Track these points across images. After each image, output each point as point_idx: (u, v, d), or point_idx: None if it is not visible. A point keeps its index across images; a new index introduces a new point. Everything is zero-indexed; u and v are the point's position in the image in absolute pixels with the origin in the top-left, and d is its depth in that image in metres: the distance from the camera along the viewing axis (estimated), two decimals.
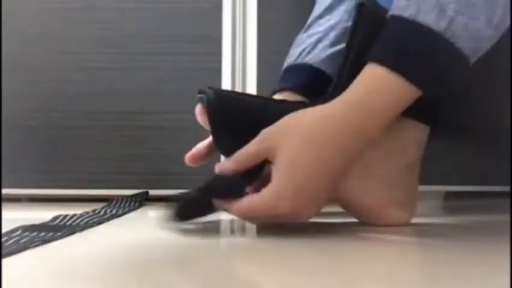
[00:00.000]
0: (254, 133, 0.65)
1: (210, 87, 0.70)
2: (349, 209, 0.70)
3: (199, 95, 0.70)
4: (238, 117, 0.68)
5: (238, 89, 1.06)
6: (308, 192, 0.62)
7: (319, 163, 0.62)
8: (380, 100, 0.63)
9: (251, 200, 0.63)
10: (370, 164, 0.68)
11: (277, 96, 0.81)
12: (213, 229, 0.71)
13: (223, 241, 0.63)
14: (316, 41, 0.83)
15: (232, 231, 0.72)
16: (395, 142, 0.69)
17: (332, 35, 0.82)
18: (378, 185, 0.69)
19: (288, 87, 0.81)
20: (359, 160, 0.66)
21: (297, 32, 0.88)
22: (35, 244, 0.56)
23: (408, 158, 0.70)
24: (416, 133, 0.70)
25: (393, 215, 0.70)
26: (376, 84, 0.63)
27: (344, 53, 0.70)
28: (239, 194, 0.65)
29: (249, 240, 0.64)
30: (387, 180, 0.69)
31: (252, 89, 1.04)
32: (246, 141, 0.65)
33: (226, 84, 1.05)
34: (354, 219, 0.73)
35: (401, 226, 0.72)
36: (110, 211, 0.84)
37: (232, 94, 0.72)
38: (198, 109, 0.70)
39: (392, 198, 0.70)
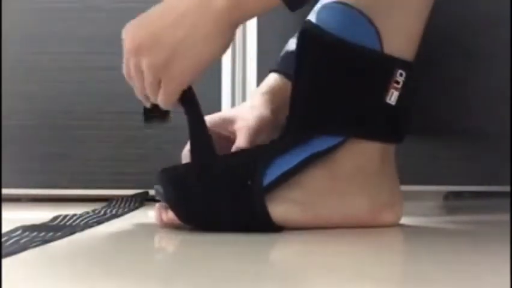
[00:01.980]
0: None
1: (163, 173, 0.71)
2: (343, 225, 0.70)
3: (156, 187, 0.72)
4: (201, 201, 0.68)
5: (238, 89, 1.06)
6: (151, 28, 0.66)
7: (170, 10, 0.66)
8: None
9: None
10: (343, 182, 0.69)
11: (271, 76, 0.83)
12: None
13: (226, 242, 0.63)
14: None
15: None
16: (361, 159, 0.69)
17: None
18: (358, 195, 0.69)
19: (283, 70, 0.83)
20: (331, 182, 0.68)
21: (297, 32, 0.87)
22: (35, 244, 0.56)
23: (378, 165, 0.70)
24: (379, 148, 0.70)
25: (384, 217, 0.70)
26: None
27: (292, 83, 0.70)
28: None
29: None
30: (366, 188, 0.69)
31: (252, 89, 1.04)
32: (216, 207, 0.67)
33: (226, 85, 1.05)
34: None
35: (401, 226, 0.72)
36: (110, 211, 0.84)
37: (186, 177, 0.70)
38: (158, 208, 0.71)
39: (378, 203, 0.70)
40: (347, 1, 0.67)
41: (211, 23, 0.64)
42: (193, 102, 0.69)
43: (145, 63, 0.67)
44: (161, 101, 0.69)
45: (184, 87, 0.68)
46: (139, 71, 0.68)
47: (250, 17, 0.67)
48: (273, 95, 0.81)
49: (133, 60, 0.68)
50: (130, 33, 0.68)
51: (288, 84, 0.82)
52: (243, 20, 0.67)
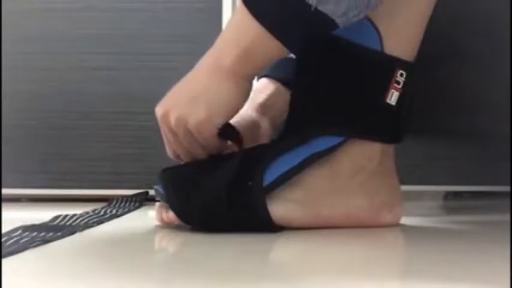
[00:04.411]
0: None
1: (164, 173, 0.71)
2: (342, 224, 0.70)
3: (155, 187, 0.72)
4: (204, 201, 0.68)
5: None
6: (176, 95, 0.71)
7: (187, 83, 0.72)
8: (229, 32, 0.68)
9: None
10: (343, 182, 0.69)
11: (263, 80, 0.82)
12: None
13: (226, 242, 0.63)
14: None
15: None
16: (360, 158, 0.69)
17: None
18: (358, 195, 0.69)
19: (275, 77, 0.82)
20: (331, 182, 0.68)
21: None
22: (35, 244, 0.56)
23: (377, 165, 0.69)
24: (379, 148, 0.70)
25: (384, 217, 0.70)
26: (231, 21, 0.69)
27: (293, 84, 0.71)
28: None
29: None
30: (366, 188, 0.69)
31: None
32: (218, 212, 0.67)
33: None
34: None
35: (401, 226, 0.72)
36: (110, 211, 0.84)
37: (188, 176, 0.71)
38: (158, 208, 0.72)
39: (378, 202, 0.70)
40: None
41: (223, 80, 0.67)
42: (235, 133, 0.70)
43: (181, 133, 0.69)
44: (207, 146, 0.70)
45: (214, 128, 0.68)
46: (180, 146, 0.70)
47: (260, 67, 0.69)
48: (257, 93, 0.81)
49: (171, 134, 0.70)
50: (161, 113, 0.71)
51: (276, 87, 0.82)
52: (253, 71, 0.69)
